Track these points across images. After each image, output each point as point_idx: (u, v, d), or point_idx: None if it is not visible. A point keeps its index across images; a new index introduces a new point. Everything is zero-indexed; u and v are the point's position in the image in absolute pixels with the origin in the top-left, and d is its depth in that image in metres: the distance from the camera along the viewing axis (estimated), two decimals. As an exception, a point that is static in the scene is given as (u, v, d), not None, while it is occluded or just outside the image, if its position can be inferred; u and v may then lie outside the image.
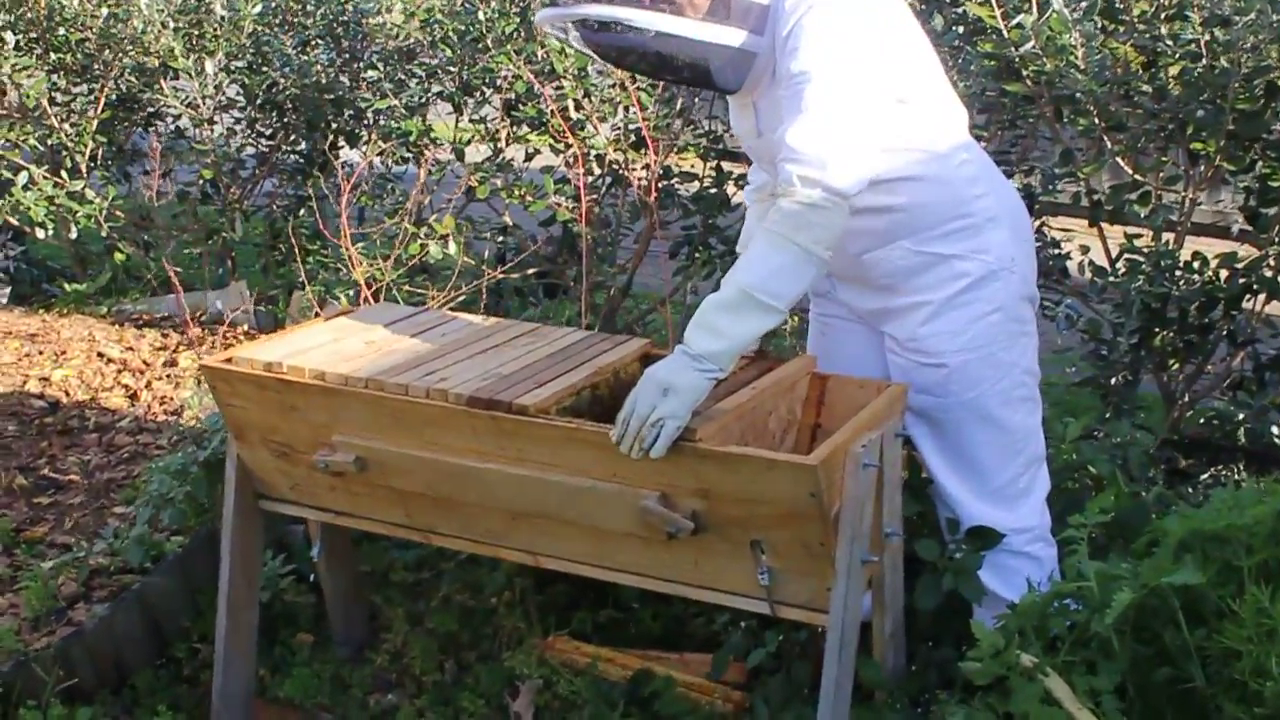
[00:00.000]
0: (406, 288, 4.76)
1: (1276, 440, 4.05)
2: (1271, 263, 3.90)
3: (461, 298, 4.61)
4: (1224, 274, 3.93)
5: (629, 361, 2.98)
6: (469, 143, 5.40)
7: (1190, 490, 3.75)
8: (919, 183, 2.82)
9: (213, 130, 6.07)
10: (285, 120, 6.22)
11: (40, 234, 5.96)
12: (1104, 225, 4.26)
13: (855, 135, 2.60)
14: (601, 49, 2.78)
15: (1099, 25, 3.69)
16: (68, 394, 5.04)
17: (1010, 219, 2.94)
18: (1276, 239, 3.90)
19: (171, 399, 4.93)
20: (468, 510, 2.86)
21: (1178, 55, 3.70)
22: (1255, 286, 3.92)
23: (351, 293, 4.66)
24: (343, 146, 6.18)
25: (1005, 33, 3.77)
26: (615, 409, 2.89)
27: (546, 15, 2.75)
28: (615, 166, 4.93)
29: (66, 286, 6.64)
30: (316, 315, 5.43)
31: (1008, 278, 2.89)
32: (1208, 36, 3.61)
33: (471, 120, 5.51)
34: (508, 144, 5.38)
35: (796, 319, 4.53)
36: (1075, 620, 2.50)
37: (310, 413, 2.90)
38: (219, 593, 3.18)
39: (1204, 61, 3.64)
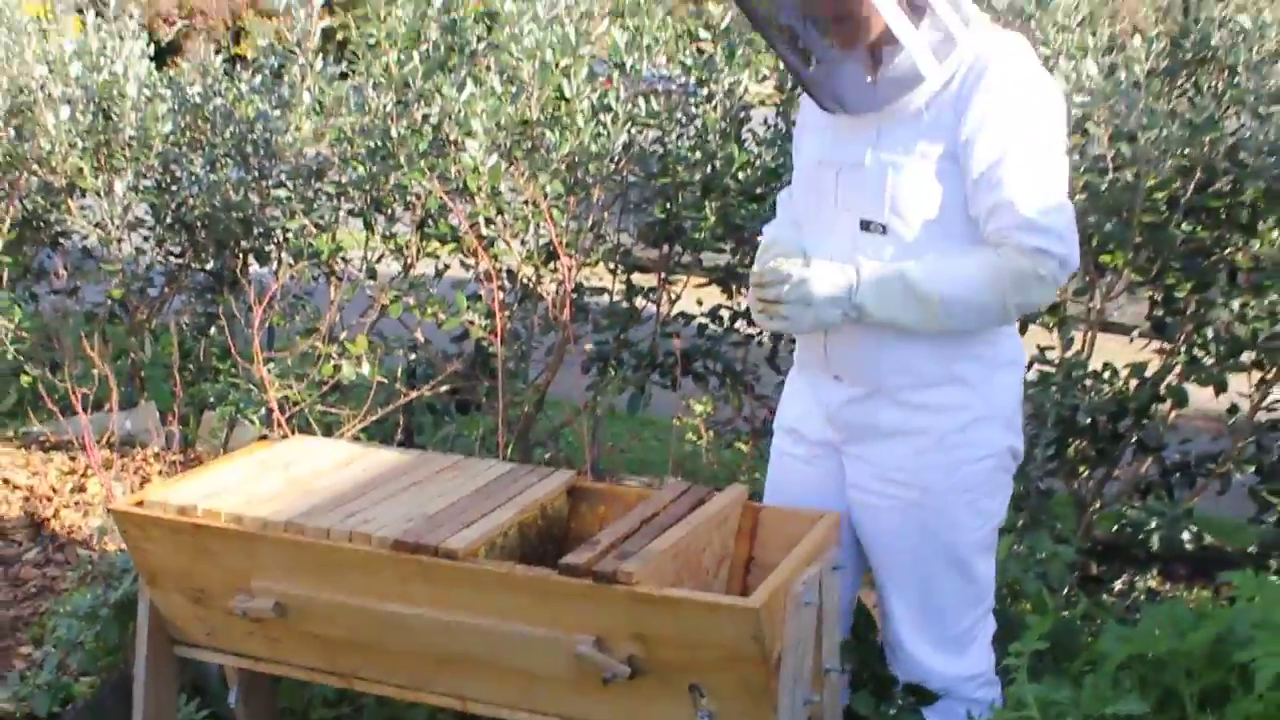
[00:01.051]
0: (320, 408, 4.56)
1: (1188, 547, 3.98)
2: (1179, 370, 3.85)
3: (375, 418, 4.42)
4: (1133, 383, 3.88)
5: (555, 496, 2.83)
6: (379, 260, 5.24)
7: (1109, 599, 3.67)
8: None
9: (120, 249, 5.84)
10: (194, 239, 5.99)
11: (-58, 357, 5.66)
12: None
13: (1072, 217, 2.55)
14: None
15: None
16: (-32, 524, 4.76)
17: (1020, 368, 2.79)
18: (1181, 348, 3.86)
19: (80, 528, 4.67)
20: (392, 655, 2.66)
21: (1083, 169, 3.65)
22: (1163, 395, 3.87)
23: (263, 412, 4.45)
24: (253, 265, 5.96)
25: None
26: (543, 546, 2.74)
27: None
28: (526, 282, 4.80)
29: (-31, 412, 6.32)
30: (227, 437, 5.24)
31: (1004, 426, 2.71)
32: (1113, 151, 3.57)
33: (383, 237, 5.33)
34: (418, 258, 5.22)
35: (712, 433, 4.39)
36: (1020, 752, 2.39)
37: (227, 557, 2.70)
38: (132, 744, 2.95)
39: (1110, 175, 3.60)
